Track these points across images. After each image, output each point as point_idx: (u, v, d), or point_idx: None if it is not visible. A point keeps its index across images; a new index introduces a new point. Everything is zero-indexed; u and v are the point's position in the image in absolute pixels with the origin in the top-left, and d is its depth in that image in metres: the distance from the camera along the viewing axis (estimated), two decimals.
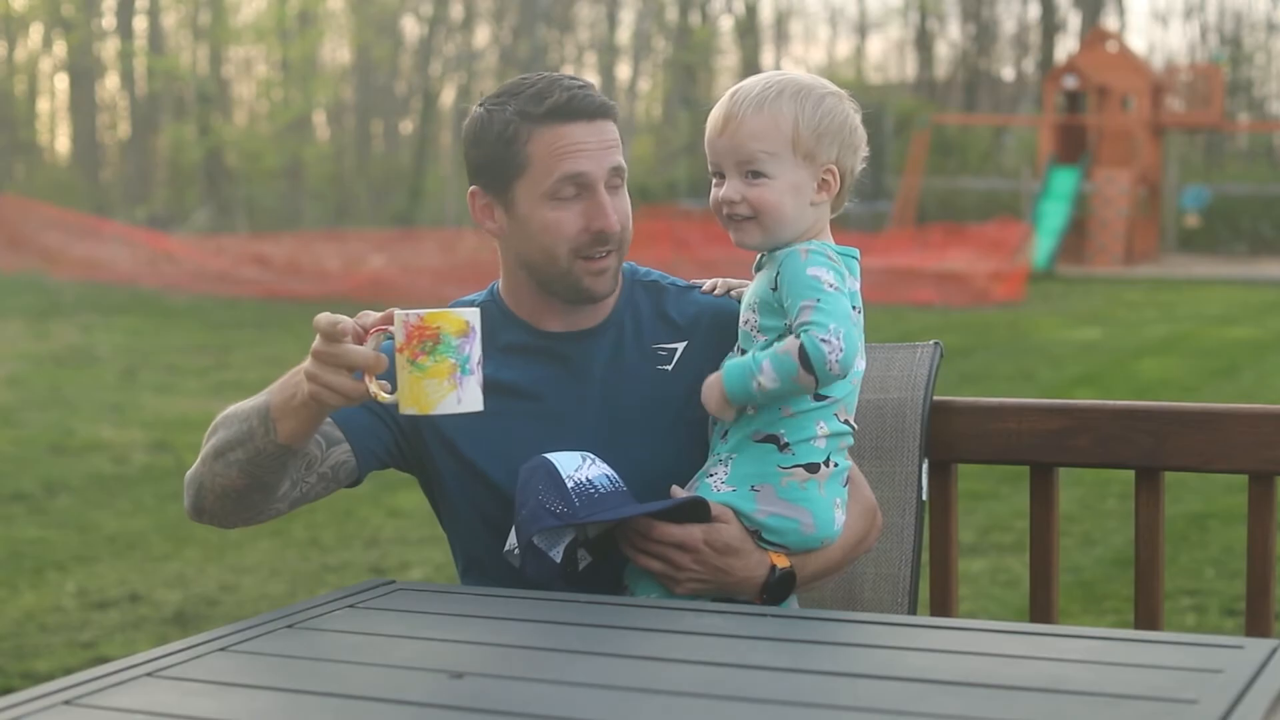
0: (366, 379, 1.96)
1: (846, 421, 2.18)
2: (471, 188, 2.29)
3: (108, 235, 25.51)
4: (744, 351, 2.16)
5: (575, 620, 1.94)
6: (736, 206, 2.14)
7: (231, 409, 2.17)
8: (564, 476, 2.09)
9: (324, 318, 1.97)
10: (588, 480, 2.10)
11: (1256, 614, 2.34)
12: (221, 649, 1.85)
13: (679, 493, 2.17)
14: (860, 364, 2.18)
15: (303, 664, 1.80)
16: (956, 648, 1.78)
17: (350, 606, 2.04)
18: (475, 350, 1.93)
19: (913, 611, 2.43)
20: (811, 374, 2.06)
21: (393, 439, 2.27)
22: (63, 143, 43.07)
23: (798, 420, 2.13)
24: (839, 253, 2.16)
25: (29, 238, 23.53)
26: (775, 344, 2.10)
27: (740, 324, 2.19)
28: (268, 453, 2.09)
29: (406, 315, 1.90)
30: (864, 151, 2.21)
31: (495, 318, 2.31)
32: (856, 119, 2.19)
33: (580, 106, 2.19)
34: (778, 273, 2.12)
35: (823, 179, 2.15)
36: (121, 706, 1.64)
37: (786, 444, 2.13)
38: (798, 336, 2.06)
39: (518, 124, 2.20)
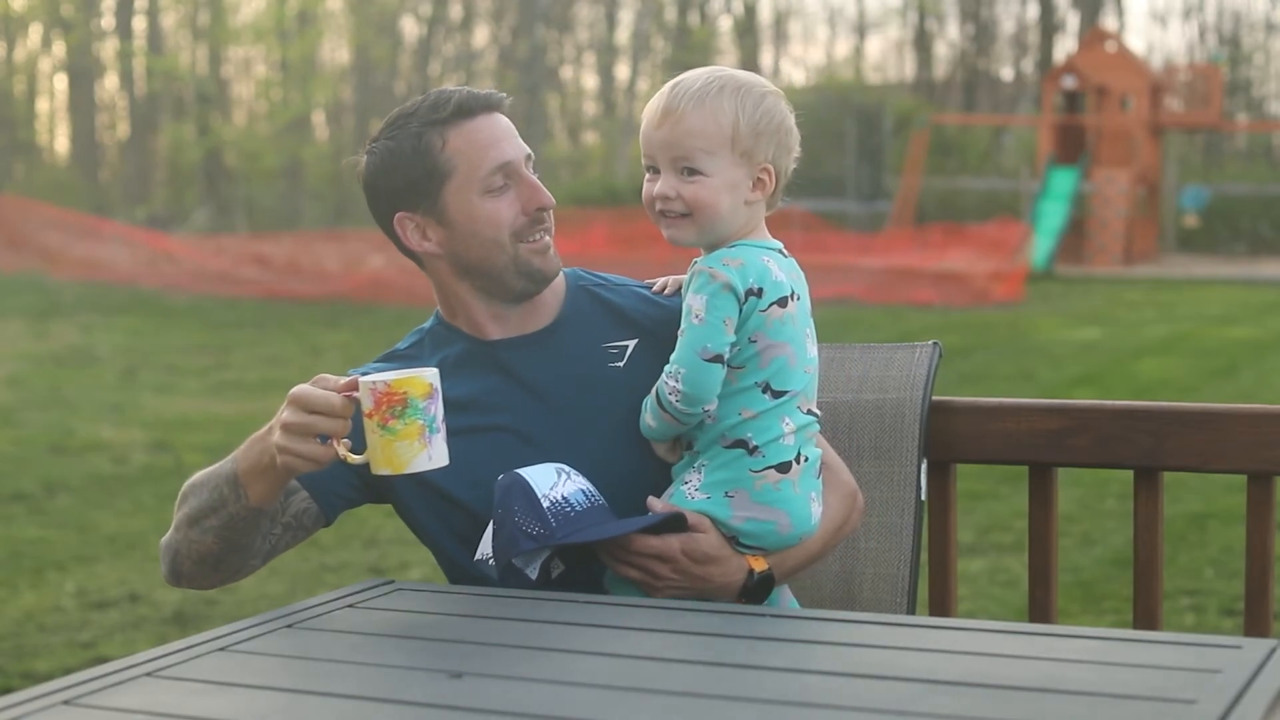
0: (334, 443, 2.03)
1: (810, 411, 2.19)
2: (397, 216, 2.28)
3: (108, 235, 25.51)
4: None
5: (575, 620, 1.94)
6: (671, 203, 2.14)
7: (198, 476, 2.23)
8: (539, 496, 2.08)
9: (300, 390, 2.03)
10: (563, 498, 2.09)
11: (1255, 614, 2.35)
12: (221, 649, 1.85)
13: (655, 505, 2.17)
14: (811, 350, 2.18)
15: (303, 664, 1.80)
16: (956, 648, 1.78)
17: (350, 606, 2.04)
18: (439, 409, 2.02)
19: (912, 611, 2.44)
20: (666, 413, 2.14)
21: (354, 476, 2.26)
22: (62, 143, 43.09)
23: (761, 421, 2.13)
24: (750, 248, 2.14)
25: (29, 238, 23.54)
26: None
27: (679, 332, 2.19)
28: (241, 516, 2.16)
29: (374, 383, 1.99)
30: (797, 152, 2.21)
31: (440, 336, 2.34)
32: (792, 120, 2.19)
33: (481, 102, 2.25)
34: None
35: (758, 178, 2.15)
36: (121, 706, 1.64)
37: (755, 447, 2.13)
38: None
39: (428, 133, 2.23)
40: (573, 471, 2.15)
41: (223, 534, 2.18)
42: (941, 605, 2.51)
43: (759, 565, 2.16)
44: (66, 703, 1.66)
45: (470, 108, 2.23)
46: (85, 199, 34.64)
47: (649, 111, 2.16)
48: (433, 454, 2.01)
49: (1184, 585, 5.59)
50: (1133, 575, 2.42)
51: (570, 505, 2.09)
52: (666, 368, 2.14)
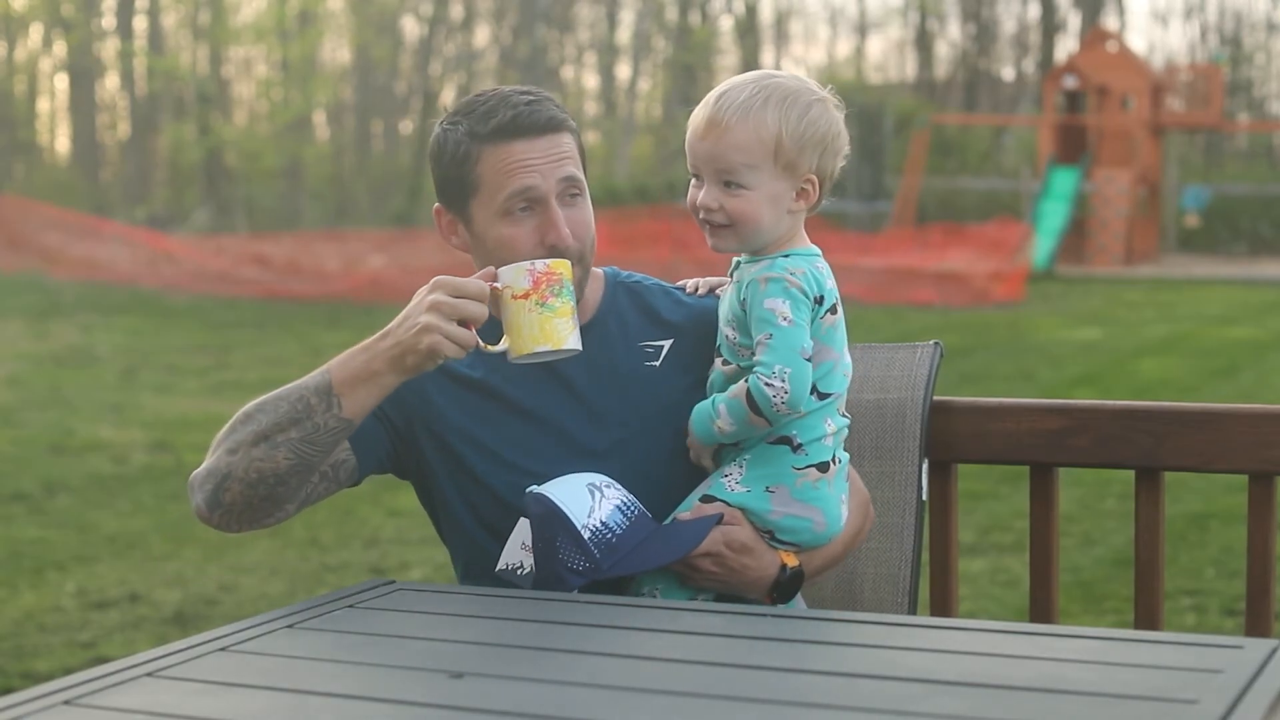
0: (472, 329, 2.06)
1: (843, 413, 2.23)
2: (436, 205, 2.32)
3: (107, 235, 25.51)
4: (726, 362, 2.20)
5: (575, 620, 1.94)
6: (714, 214, 2.16)
7: (264, 398, 2.15)
8: (579, 527, 2.07)
9: (446, 277, 2.08)
10: (602, 524, 2.08)
11: (1256, 614, 2.34)
12: (221, 649, 1.85)
13: (685, 516, 2.18)
14: (848, 355, 2.22)
15: (303, 664, 1.80)
16: (956, 648, 1.78)
17: (350, 606, 2.03)
18: (577, 303, 2.14)
19: (913, 611, 2.44)
20: (761, 416, 2.12)
21: (390, 443, 2.28)
22: (62, 143, 43.10)
23: (808, 420, 2.16)
24: (803, 258, 2.17)
25: (29, 238, 23.53)
26: (732, 387, 2.15)
27: (722, 337, 2.22)
28: (327, 428, 2.10)
29: (530, 265, 2.09)
30: (845, 150, 2.21)
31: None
32: (839, 122, 2.18)
33: (525, 123, 2.20)
34: (745, 297, 2.16)
35: (802, 188, 2.17)
36: (121, 706, 1.64)
37: (800, 445, 2.16)
38: (747, 380, 2.12)
39: (468, 145, 2.22)
40: (604, 483, 2.14)
41: (299, 449, 2.11)
42: (942, 605, 2.51)
43: (791, 560, 2.19)
44: (66, 703, 1.66)
45: (510, 130, 2.20)
46: (85, 199, 34.64)
47: (695, 121, 2.17)
48: (578, 333, 2.11)
49: (1185, 585, 5.59)
50: (1134, 575, 2.42)
51: (610, 530, 2.09)
52: (760, 371, 2.10)
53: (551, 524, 2.08)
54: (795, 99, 2.14)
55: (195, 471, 2.18)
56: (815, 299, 2.14)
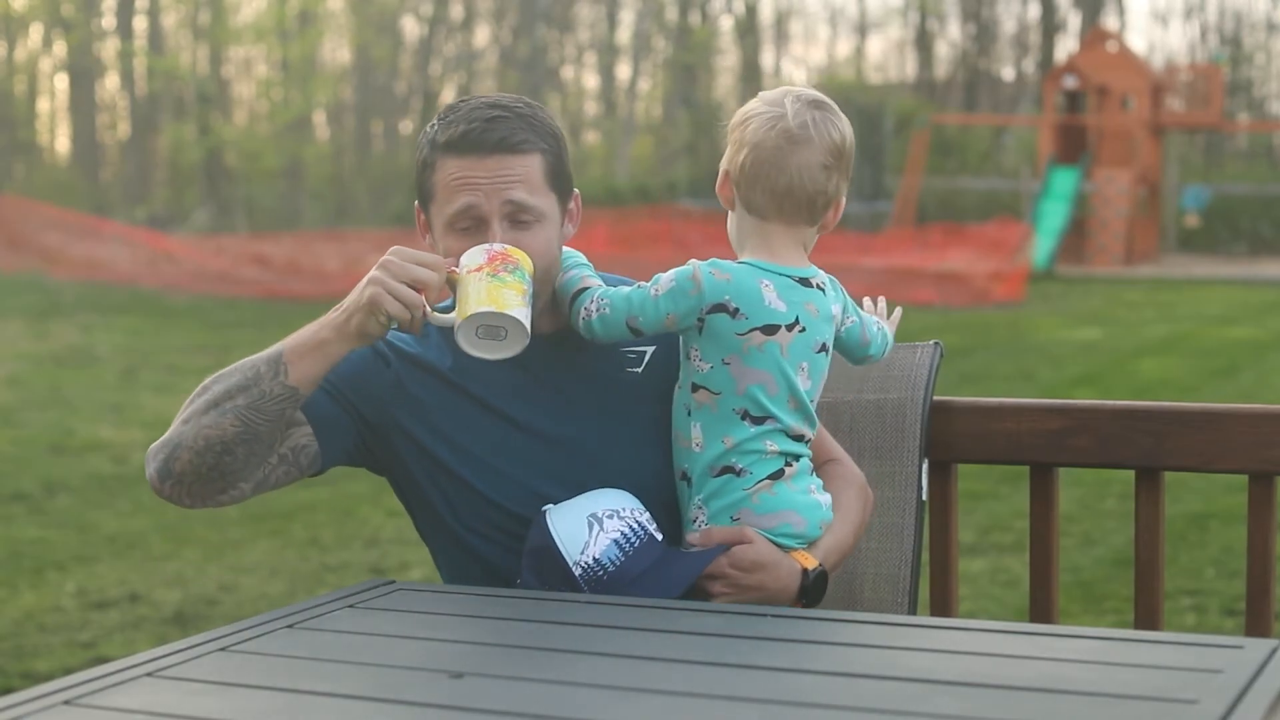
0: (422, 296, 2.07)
1: (800, 437, 2.19)
2: (416, 202, 2.32)
3: (108, 235, 25.51)
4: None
5: (575, 620, 1.94)
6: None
7: (223, 370, 2.16)
8: (570, 564, 2.08)
9: (400, 248, 2.11)
10: (594, 561, 2.08)
11: (1256, 614, 2.34)
12: (221, 649, 1.85)
13: (694, 540, 2.19)
14: (803, 383, 2.17)
15: (303, 664, 1.80)
16: (956, 648, 1.78)
17: (350, 606, 2.03)
18: (531, 298, 2.12)
19: (913, 611, 2.44)
20: (572, 317, 2.22)
21: (357, 433, 2.25)
22: (62, 143, 43.08)
23: (742, 447, 2.16)
24: (749, 268, 2.17)
25: (29, 238, 23.54)
26: (609, 292, 2.21)
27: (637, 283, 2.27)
28: (273, 395, 2.10)
29: (490, 245, 2.12)
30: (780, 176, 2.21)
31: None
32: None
33: (474, 140, 2.17)
34: None
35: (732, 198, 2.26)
36: (121, 706, 1.64)
37: (741, 469, 2.16)
38: (591, 293, 2.22)
39: (428, 152, 2.24)
40: (607, 511, 2.13)
41: (245, 415, 2.10)
42: (942, 605, 2.51)
43: (810, 562, 2.18)
44: (66, 703, 1.66)
45: (460, 145, 2.18)
46: (85, 199, 34.63)
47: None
48: (528, 316, 2.08)
49: (1185, 585, 5.59)
50: (1134, 575, 2.42)
51: (602, 567, 2.09)
52: (600, 290, 2.20)
53: (543, 557, 2.09)
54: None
55: (152, 444, 2.17)
56: (721, 307, 2.12)
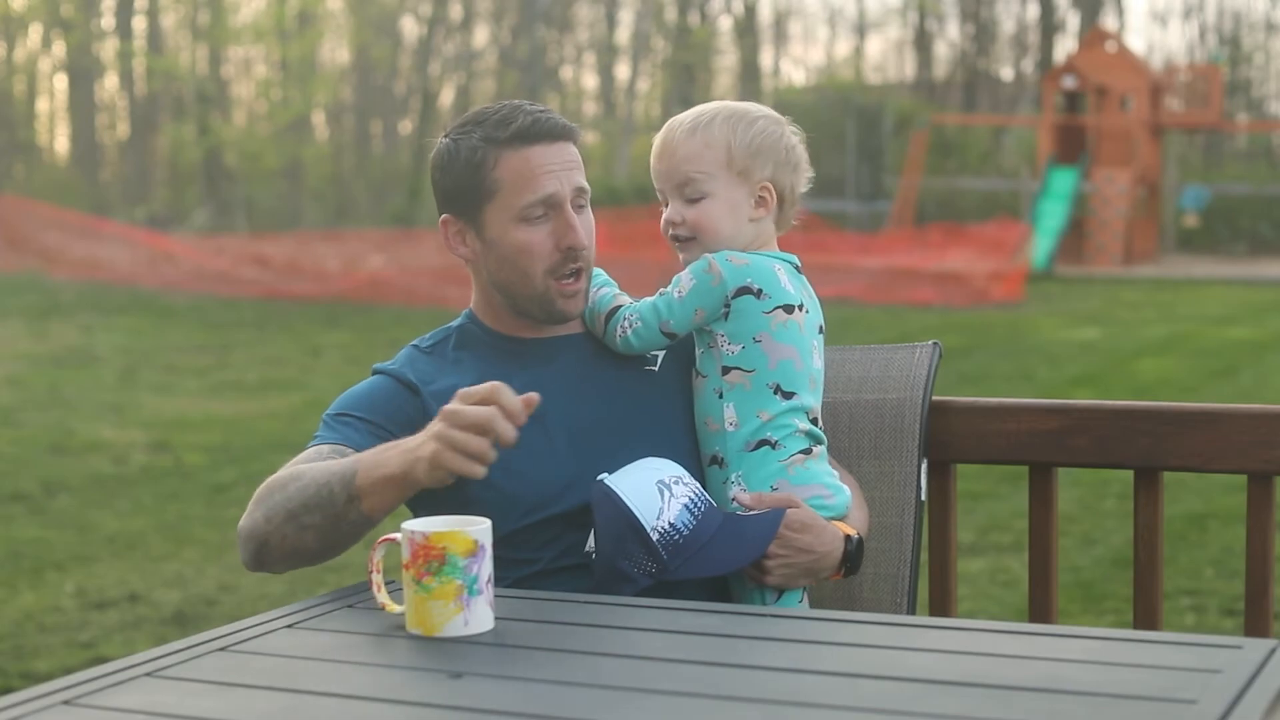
0: (374, 583, 1.97)
1: (815, 421, 2.28)
2: (443, 216, 2.34)
3: (107, 235, 25.50)
4: (699, 374, 2.29)
5: (576, 620, 1.94)
6: (678, 228, 2.28)
7: (296, 468, 2.12)
8: (648, 529, 2.07)
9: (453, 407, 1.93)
10: (670, 526, 2.08)
11: (1256, 614, 2.35)
12: (221, 649, 1.85)
13: (745, 499, 2.20)
14: (816, 362, 2.28)
15: (303, 664, 1.80)
16: (956, 648, 1.78)
17: (350, 606, 2.03)
18: (485, 568, 1.87)
19: (912, 611, 2.44)
20: (606, 334, 2.30)
21: None
22: (62, 143, 43.08)
23: (777, 421, 2.23)
24: (755, 254, 2.25)
25: (29, 238, 23.54)
26: (631, 301, 2.30)
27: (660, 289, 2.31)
28: (349, 519, 2.06)
29: (412, 533, 1.85)
30: (806, 172, 2.33)
31: (470, 334, 2.37)
32: (794, 140, 2.30)
33: (544, 129, 2.25)
34: None
35: (759, 196, 2.27)
36: (121, 706, 1.64)
37: (776, 441, 2.23)
38: (620, 308, 2.28)
39: (485, 149, 2.25)
40: (672, 478, 2.13)
41: (324, 531, 2.07)
42: (942, 605, 2.51)
43: (851, 531, 2.25)
44: (66, 703, 1.66)
45: (530, 135, 2.24)
46: (85, 199, 34.62)
47: (653, 149, 2.30)
48: (470, 618, 1.85)
49: (1184, 585, 5.59)
50: (1133, 575, 2.42)
51: (678, 531, 2.09)
52: (628, 308, 2.27)
53: (619, 524, 2.07)
54: (742, 114, 2.28)
55: (240, 523, 2.15)
56: (746, 289, 2.21)
